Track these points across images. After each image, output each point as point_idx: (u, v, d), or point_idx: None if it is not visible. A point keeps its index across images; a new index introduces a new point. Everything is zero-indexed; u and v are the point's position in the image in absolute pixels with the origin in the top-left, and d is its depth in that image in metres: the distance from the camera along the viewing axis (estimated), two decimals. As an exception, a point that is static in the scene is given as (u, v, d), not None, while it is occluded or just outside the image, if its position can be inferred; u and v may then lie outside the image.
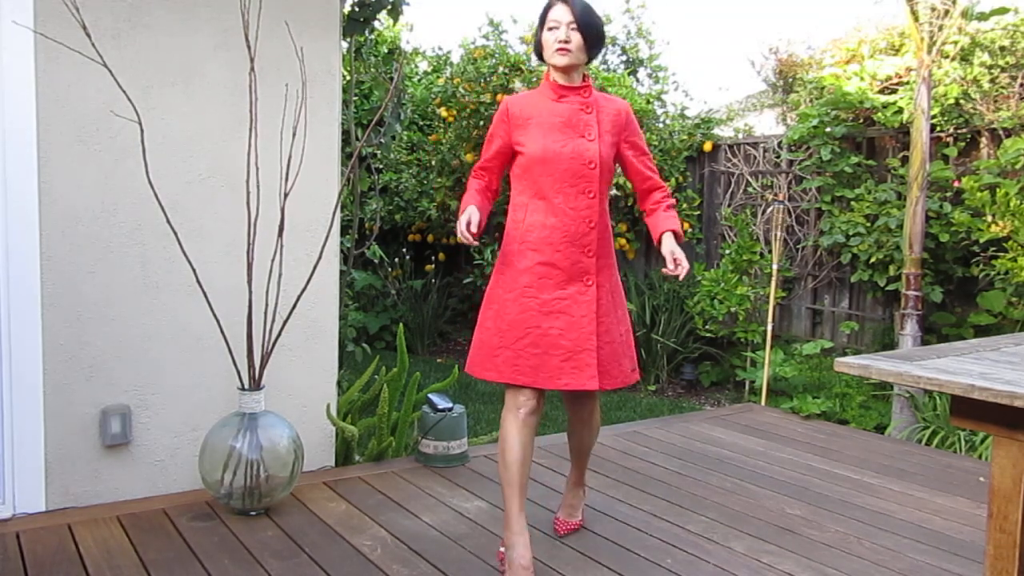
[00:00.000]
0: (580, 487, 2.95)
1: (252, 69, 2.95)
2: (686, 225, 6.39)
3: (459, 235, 2.48)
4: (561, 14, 2.56)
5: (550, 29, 2.59)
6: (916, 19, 4.72)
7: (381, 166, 7.49)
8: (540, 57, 2.67)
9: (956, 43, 5.01)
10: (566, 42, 2.54)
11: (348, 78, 4.24)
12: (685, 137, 6.54)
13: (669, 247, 2.58)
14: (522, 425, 2.56)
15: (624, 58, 7.75)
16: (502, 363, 2.55)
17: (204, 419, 3.14)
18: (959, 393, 1.37)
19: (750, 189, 6.24)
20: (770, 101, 7.59)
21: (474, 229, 2.50)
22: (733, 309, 5.51)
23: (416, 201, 7.31)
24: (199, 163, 3.10)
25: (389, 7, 3.79)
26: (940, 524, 3.08)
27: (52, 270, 2.87)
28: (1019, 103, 4.85)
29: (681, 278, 2.58)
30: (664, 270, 2.56)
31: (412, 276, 7.66)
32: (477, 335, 2.65)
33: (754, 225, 6.07)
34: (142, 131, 2.85)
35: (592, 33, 2.58)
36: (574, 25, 2.55)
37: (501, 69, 6.45)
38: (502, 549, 2.61)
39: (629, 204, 6.37)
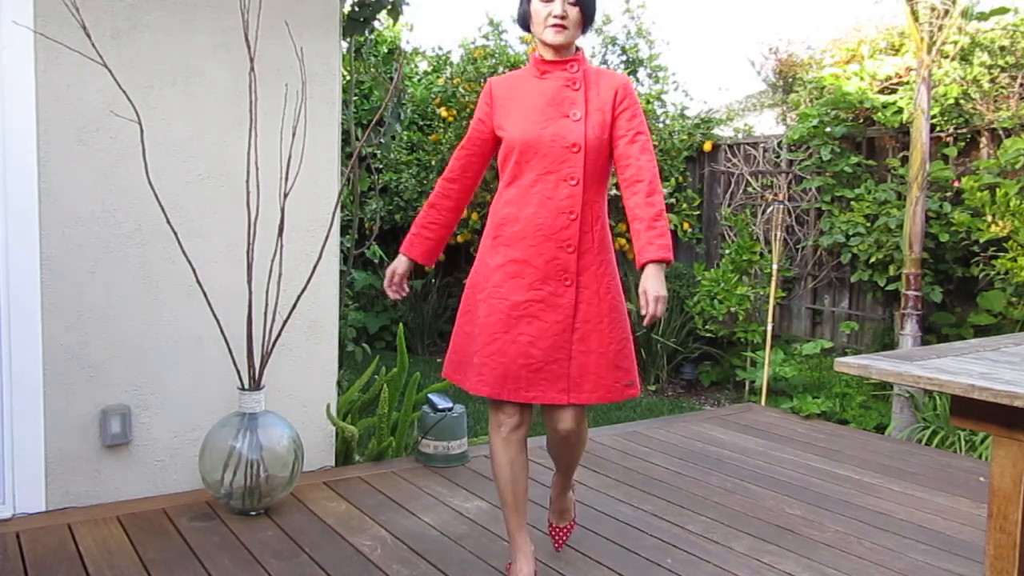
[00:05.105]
0: (567, 492, 2.68)
1: (252, 69, 2.95)
2: (686, 225, 6.39)
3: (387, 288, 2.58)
4: None
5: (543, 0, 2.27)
6: (916, 19, 4.72)
7: (381, 166, 7.49)
8: (525, 28, 2.36)
9: (956, 43, 5.01)
10: (562, 17, 2.23)
11: (348, 78, 4.24)
12: (685, 137, 6.54)
13: (645, 286, 2.19)
14: (505, 443, 2.38)
15: (624, 58, 7.74)
16: (472, 371, 2.32)
17: (204, 419, 3.14)
18: (959, 393, 1.37)
19: (750, 189, 6.24)
20: (770, 101, 7.58)
21: (394, 286, 2.59)
22: (733, 309, 5.51)
23: (416, 201, 7.30)
24: (199, 163, 3.10)
25: (389, 7, 3.79)
26: (940, 524, 3.08)
27: (52, 270, 2.87)
28: (1019, 103, 4.85)
29: (645, 324, 2.18)
30: (642, 309, 2.20)
31: (412, 276, 7.65)
32: (456, 343, 2.44)
33: (754, 225, 6.07)
34: (142, 131, 2.84)
35: (591, 8, 2.30)
36: None
37: (501, 69, 6.45)
38: (511, 563, 2.49)
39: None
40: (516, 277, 2.28)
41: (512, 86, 2.38)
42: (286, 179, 3.10)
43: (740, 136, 6.53)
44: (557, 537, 2.74)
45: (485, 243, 2.39)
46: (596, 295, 2.29)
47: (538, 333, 2.26)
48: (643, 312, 2.18)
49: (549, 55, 2.31)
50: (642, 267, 2.23)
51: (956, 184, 4.87)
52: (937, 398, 4.51)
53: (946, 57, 5.01)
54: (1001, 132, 4.81)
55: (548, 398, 2.28)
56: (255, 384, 2.98)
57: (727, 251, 5.76)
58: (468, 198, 2.52)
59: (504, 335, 2.27)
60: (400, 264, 2.55)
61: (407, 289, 2.56)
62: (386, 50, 7.11)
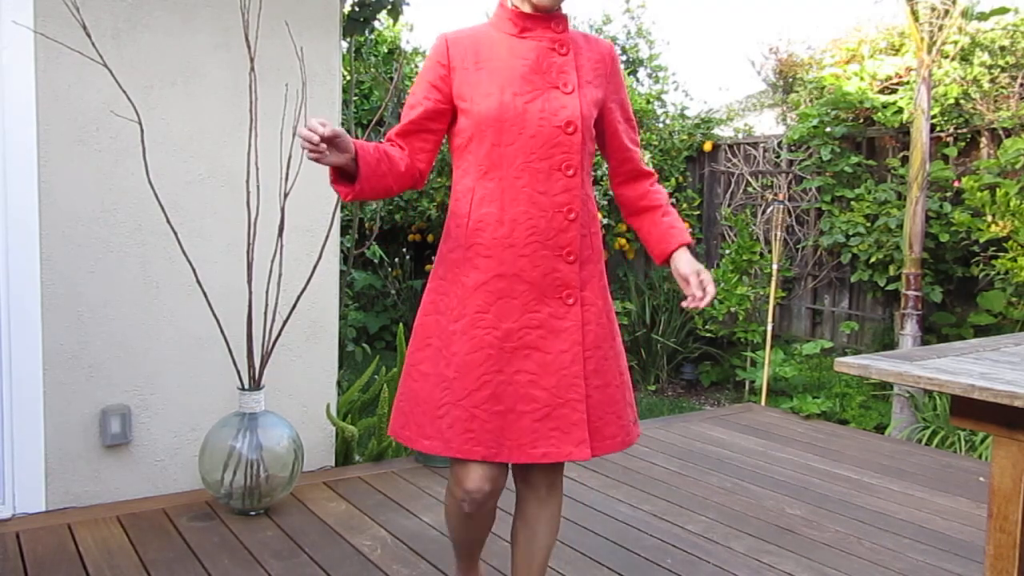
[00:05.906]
0: None
1: (252, 69, 2.95)
2: (686, 225, 6.40)
3: (300, 135, 1.56)
4: None
5: None
6: (916, 19, 4.72)
7: (381, 166, 7.48)
8: None
9: (956, 43, 5.02)
10: None
11: (348, 78, 4.24)
12: (685, 137, 6.54)
13: (694, 267, 1.87)
14: (469, 516, 1.85)
15: (624, 58, 7.75)
16: (449, 427, 1.74)
17: (204, 419, 3.14)
18: (959, 393, 1.37)
19: (750, 189, 6.24)
20: (770, 101, 7.59)
21: (327, 131, 1.55)
22: (733, 309, 5.51)
23: (416, 201, 7.31)
24: (199, 163, 3.10)
25: (389, 7, 3.79)
26: (940, 524, 3.08)
27: (52, 270, 2.87)
28: (1019, 103, 4.85)
29: (702, 307, 1.85)
30: (689, 301, 1.84)
31: (412, 276, 7.66)
32: (407, 385, 1.85)
33: (754, 225, 6.07)
34: (142, 131, 2.85)
35: None
36: None
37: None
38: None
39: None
40: (505, 297, 1.76)
41: (477, 46, 1.81)
42: (286, 179, 3.10)
43: (740, 136, 6.53)
44: None
45: (452, 255, 1.82)
46: (604, 313, 1.85)
47: (540, 369, 1.76)
48: (698, 296, 1.83)
49: (529, 8, 1.80)
50: (672, 252, 1.92)
51: (956, 184, 4.87)
52: (937, 398, 4.51)
53: (946, 57, 5.02)
54: (1001, 132, 4.81)
55: (564, 453, 1.75)
56: (255, 384, 2.98)
57: (727, 251, 5.76)
58: (398, 186, 1.81)
59: (497, 375, 1.75)
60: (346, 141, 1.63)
61: (324, 152, 1.59)
62: (386, 50, 7.11)
